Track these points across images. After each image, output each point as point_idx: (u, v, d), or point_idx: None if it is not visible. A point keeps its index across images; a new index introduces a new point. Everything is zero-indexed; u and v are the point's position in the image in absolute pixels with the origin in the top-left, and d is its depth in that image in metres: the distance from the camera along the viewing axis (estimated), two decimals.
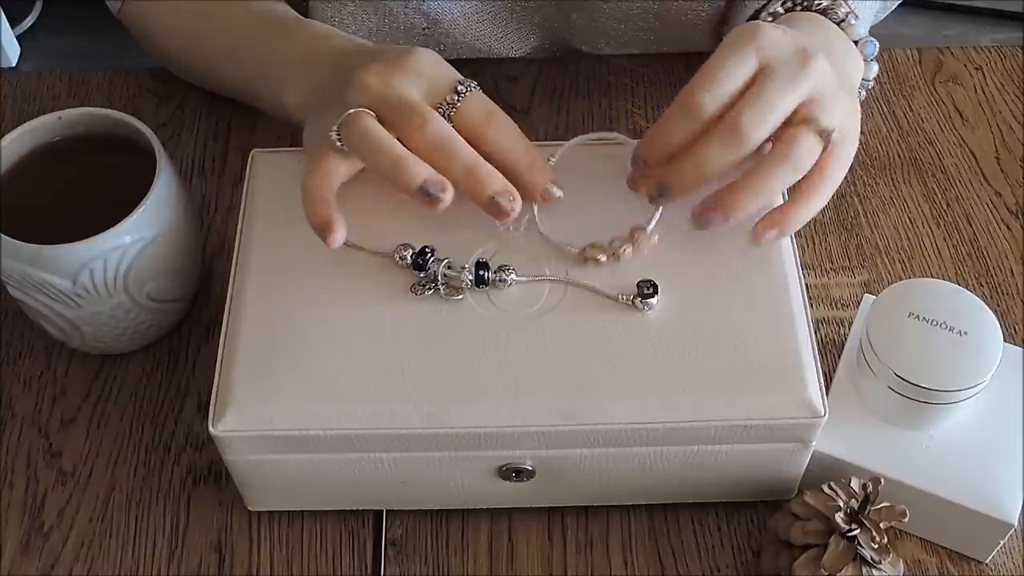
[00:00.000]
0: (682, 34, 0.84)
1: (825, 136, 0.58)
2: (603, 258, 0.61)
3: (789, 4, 0.67)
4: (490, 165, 0.58)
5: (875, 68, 0.67)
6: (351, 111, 0.58)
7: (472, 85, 0.61)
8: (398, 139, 0.58)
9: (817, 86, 0.58)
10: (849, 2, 0.69)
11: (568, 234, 0.62)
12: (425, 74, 0.60)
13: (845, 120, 0.60)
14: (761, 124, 0.57)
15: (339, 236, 0.58)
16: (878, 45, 0.67)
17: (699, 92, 0.57)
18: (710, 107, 0.57)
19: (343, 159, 0.59)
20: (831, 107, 0.59)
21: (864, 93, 0.68)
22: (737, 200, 0.58)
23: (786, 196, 0.62)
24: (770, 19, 0.67)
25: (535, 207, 0.63)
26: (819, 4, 0.66)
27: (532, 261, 0.62)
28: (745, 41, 0.58)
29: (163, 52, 0.81)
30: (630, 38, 0.85)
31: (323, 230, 0.58)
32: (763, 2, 0.74)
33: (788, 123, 0.58)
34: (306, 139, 0.63)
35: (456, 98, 0.60)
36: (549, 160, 0.64)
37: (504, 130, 0.61)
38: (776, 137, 0.58)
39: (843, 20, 0.66)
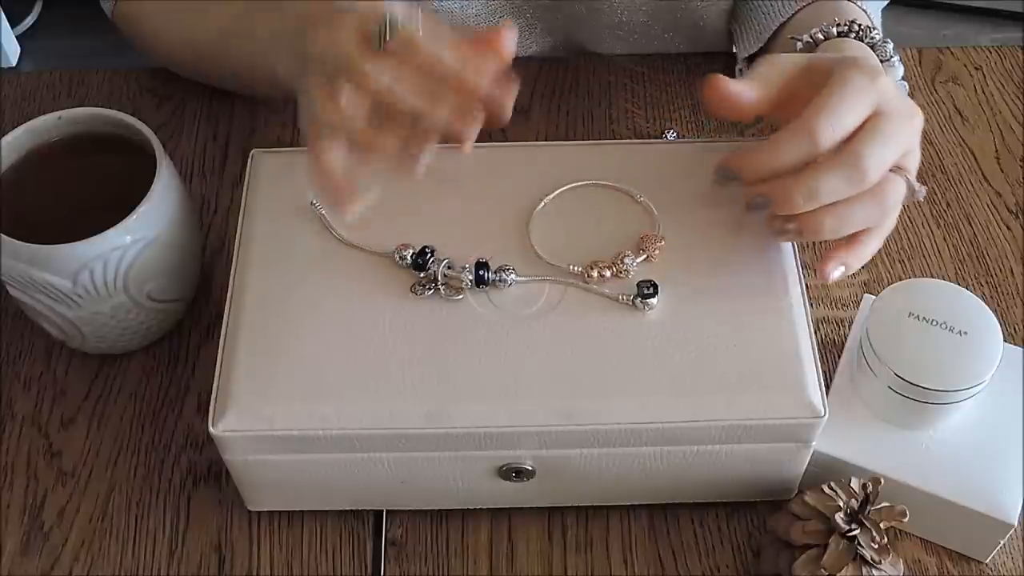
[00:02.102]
0: (687, 32, 0.83)
1: (911, 190, 0.60)
2: (608, 274, 0.61)
3: (844, 28, 0.66)
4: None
5: None
6: (305, 100, 0.57)
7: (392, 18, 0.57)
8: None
9: (914, 141, 0.60)
10: (859, 2, 0.69)
11: (564, 257, 0.62)
12: (356, 21, 0.58)
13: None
14: (882, 163, 0.57)
15: (353, 209, 0.58)
16: (908, 87, 0.67)
17: (822, 121, 0.57)
18: (831, 137, 0.57)
19: (330, 140, 0.58)
20: (916, 163, 0.61)
21: None
22: (819, 226, 0.58)
23: None
24: (822, 37, 0.67)
25: (530, 235, 0.63)
26: (872, 39, 0.66)
27: (532, 261, 0.62)
28: (868, 83, 0.58)
29: (158, 50, 0.81)
30: (639, 36, 0.85)
31: (337, 209, 0.58)
32: (787, 16, 0.73)
33: None
34: (299, 115, 0.63)
35: (382, 35, 0.57)
36: (543, 202, 0.64)
37: (433, 53, 0.57)
38: None
39: (888, 59, 0.66)
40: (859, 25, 0.67)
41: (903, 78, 0.68)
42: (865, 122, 0.57)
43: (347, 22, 0.58)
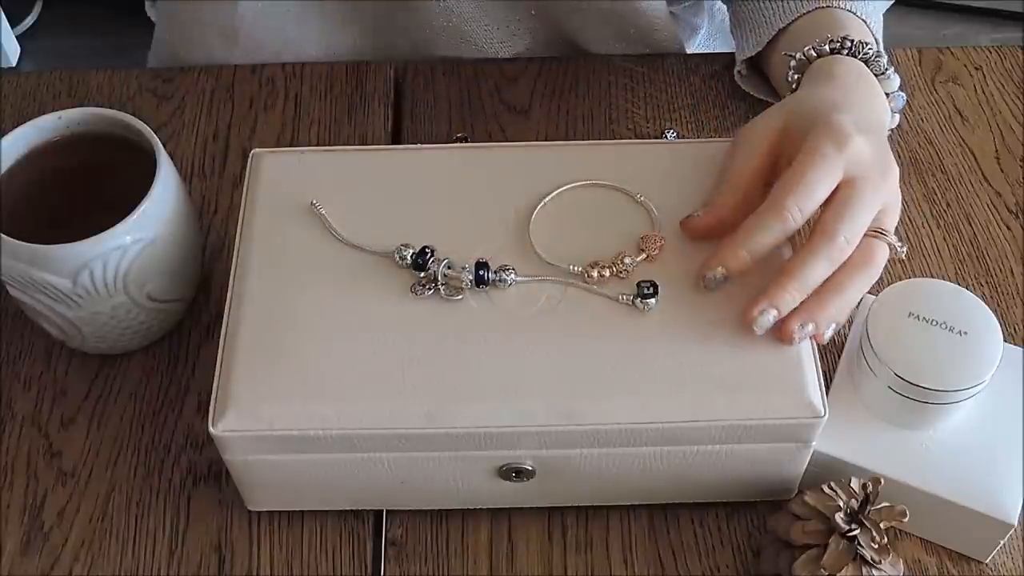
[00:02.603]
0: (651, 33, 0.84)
1: (892, 249, 0.61)
2: (608, 274, 0.61)
3: (836, 45, 0.67)
4: None
5: (896, 119, 0.68)
6: None
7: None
8: None
9: (890, 197, 0.61)
10: (858, 10, 0.69)
11: (564, 257, 0.62)
12: None
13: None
14: (855, 235, 0.58)
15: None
16: (905, 99, 0.68)
17: (790, 203, 0.58)
18: (800, 218, 0.58)
19: None
20: (895, 216, 0.61)
21: None
22: (823, 311, 0.58)
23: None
24: (815, 55, 0.68)
25: (530, 235, 0.63)
26: (865, 54, 0.67)
27: (532, 261, 0.62)
28: (835, 153, 0.58)
29: None
30: (614, 36, 0.85)
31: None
32: (786, 22, 0.73)
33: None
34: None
35: None
36: (543, 202, 0.64)
37: None
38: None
39: (883, 73, 0.67)
40: (851, 41, 0.67)
41: (901, 87, 0.68)
42: (837, 191, 0.59)
43: None
